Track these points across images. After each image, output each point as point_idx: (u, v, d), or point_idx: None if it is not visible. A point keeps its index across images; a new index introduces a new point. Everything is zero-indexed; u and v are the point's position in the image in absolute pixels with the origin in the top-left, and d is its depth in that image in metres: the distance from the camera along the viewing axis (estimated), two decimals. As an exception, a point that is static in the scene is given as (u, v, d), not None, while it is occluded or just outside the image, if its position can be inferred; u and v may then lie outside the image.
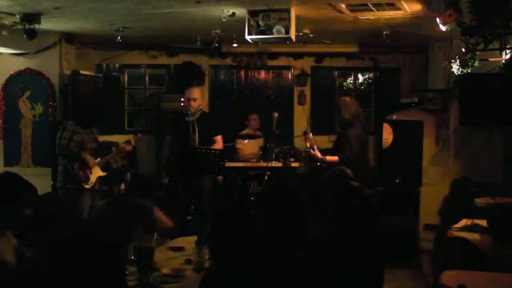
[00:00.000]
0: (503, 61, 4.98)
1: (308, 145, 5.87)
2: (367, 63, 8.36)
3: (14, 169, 6.71)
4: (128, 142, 6.08)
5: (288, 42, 5.87)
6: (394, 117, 6.79)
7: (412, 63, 8.04)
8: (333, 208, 3.67)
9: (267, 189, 4.19)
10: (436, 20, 4.71)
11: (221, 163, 5.72)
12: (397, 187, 6.34)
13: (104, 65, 8.34)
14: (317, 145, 5.94)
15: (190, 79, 7.96)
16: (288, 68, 8.55)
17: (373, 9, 5.37)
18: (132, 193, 4.03)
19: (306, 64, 8.45)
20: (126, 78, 8.58)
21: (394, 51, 7.91)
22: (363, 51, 8.14)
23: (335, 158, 5.63)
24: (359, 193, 3.81)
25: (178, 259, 3.44)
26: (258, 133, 7.67)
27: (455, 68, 4.71)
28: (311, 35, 6.78)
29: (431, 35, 6.63)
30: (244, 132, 7.73)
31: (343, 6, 5.33)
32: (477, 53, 4.62)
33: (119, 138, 6.86)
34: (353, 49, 8.10)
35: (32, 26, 5.81)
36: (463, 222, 4.45)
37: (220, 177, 6.84)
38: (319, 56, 8.36)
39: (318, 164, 6.01)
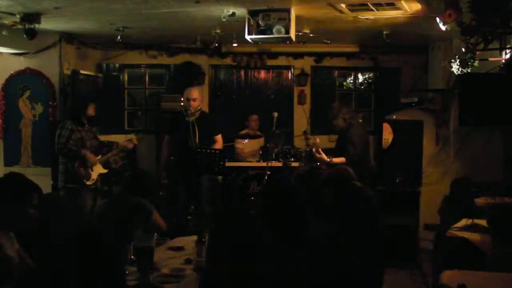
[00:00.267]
0: (503, 61, 4.98)
1: (313, 150, 5.85)
2: (367, 63, 8.36)
3: (14, 169, 6.72)
4: (129, 140, 6.08)
5: (288, 42, 5.87)
6: (394, 117, 6.79)
7: (412, 63, 8.04)
8: (333, 208, 3.67)
9: (267, 189, 4.19)
10: (436, 20, 4.71)
11: (221, 163, 5.72)
12: (397, 187, 6.34)
13: (104, 65, 8.34)
14: (321, 147, 5.96)
15: (190, 79, 7.97)
16: (288, 68, 8.55)
17: (373, 9, 5.37)
18: (132, 192, 4.02)
19: (306, 64, 8.45)
20: (126, 78, 8.58)
21: (394, 51, 7.91)
22: (363, 51, 8.15)
23: (342, 159, 5.65)
24: (360, 193, 3.81)
25: (178, 259, 3.44)
26: (258, 133, 7.67)
27: (455, 68, 4.71)
28: (311, 35, 6.78)
29: (431, 35, 6.64)
30: (244, 132, 7.73)
31: (343, 6, 5.33)
32: (477, 53, 4.62)
33: (119, 138, 6.86)
34: (353, 49, 8.11)
35: (32, 26, 5.81)
36: (463, 222, 4.45)
37: (220, 177, 6.84)
38: (319, 56, 8.37)
39: (318, 164, 6.02)
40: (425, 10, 5.31)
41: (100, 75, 8.11)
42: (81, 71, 7.50)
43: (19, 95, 7.20)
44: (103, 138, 6.66)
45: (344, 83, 8.95)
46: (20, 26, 5.91)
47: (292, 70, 8.54)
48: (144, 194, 4.04)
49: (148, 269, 3.06)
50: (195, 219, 5.69)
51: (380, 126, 6.80)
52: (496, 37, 4.57)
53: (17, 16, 5.76)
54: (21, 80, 7.22)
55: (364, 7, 5.36)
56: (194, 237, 3.42)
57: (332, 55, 8.32)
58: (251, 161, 7.30)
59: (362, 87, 8.88)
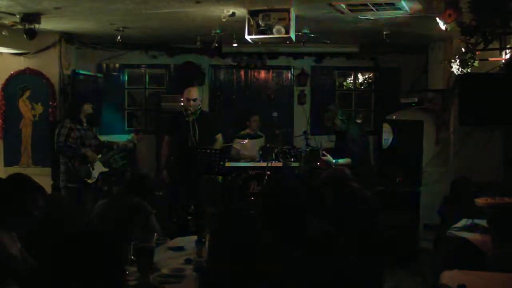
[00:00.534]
0: (503, 61, 4.98)
1: (324, 158, 5.83)
2: (367, 63, 8.37)
3: (14, 169, 6.71)
4: (130, 140, 6.08)
5: (288, 42, 5.87)
6: (394, 117, 6.79)
7: (412, 63, 8.04)
8: (333, 208, 3.68)
9: (267, 189, 4.20)
10: (436, 20, 4.71)
11: (221, 163, 5.72)
12: (397, 187, 6.33)
13: (104, 65, 8.34)
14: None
15: (190, 79, 7.97)
16: (288, 68, 8.55)
17: (373, 9, 5.37)
18: (132, 193, 4.02)
19: (306, 64, 8.45)
20: (126, 78, 8.58)
21: (394, 51, 7.91)
22: (363, 51, 8.14)
23: (347, 160, 5.65)
24: (359, 193, 3.82)
25: (178, 259, 3.44)
26: (259, 133, 7.67)
27: (455, 68, 4.71)
28: (311, 35, 6.78)
29: (431, 35, 6.63)
30: (244, 132, 7.73)
31: (343, 6, 5.32)
32: (477, 53, 4.63)
33: (119, 138, 6.86)
34: (353, 49, 8.10)
35: (32, 26, 5.81)
36: (463, 222, 4.44)
37: (220, 177, 6.84)
38: (319, 56, 8.37)
39: (318, 164, 6.02)
40: (425, 10, 5.31)
41: (100, 75, 8.11)
42: (81, 71, 7.50)
43: (19, 95, 7.20)
44: (103, 138, 6.66)
45: (344, 83, 8.95)
46: (20, 26, 5.91)
47: (292, 70, 8.54)
48: (144, 195, 4.04)
49: (148, 269, 3.06)
50: (195, 219, 5.69)
51: (380, 126, 6.80)
52: (496, 37, 4.57)
53: (17, 16, 5.76)
54: (21, 80, 7.22)
55: (364, 7, 5.35)
56: (194, 237, 3.42)
57: (332, 55, 8.32)
58: (252, 161, 7.29)
59: (362, 87, 8.88)
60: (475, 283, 3.04)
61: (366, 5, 5.27)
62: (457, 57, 4.73)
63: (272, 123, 6.50)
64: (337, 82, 8.73)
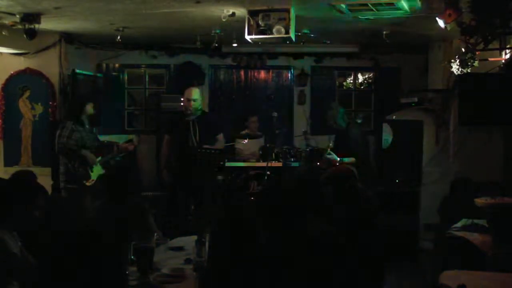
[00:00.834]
0: (503, 61, 4.98)
1: (329, 157, 5.82)
2: (367, 63, 8.36)
3: (14, 169, 6.70)
4: (130, 141, 6.07)
5: (288, 42, 5.87)
6: (394, 117, 6.79)
7: (412, 63, 8.04)
8: (333, 208, 3.67)
9: (267, 189, 4.20)
10: (436, 20, 4.71)
11: (221, 163, 5.72)
12: (397, 187, 6.33)
13: (104, 65, 8.34)
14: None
15: (190, 79, 7.97)
16: (288, 68, 8.55)
17: (373, 9, 5.37)
18: (114, 194, 3.92)
19: (306, 64, 8.45)
20: (126, 78, 8.58)
21: (394, 51, 7.91)
22: (363, 51, 8.14)
23: (352, 160, 5.66)
24: (361, 193, 3.81)
25: (178, 259, 3.44)
26: (258, 133, 7.67)
27: (455, 68, 4.71)
28: (311, 35, 6.78)
29: (431, 35, 6.63)
30: (244, 132, 7.73)
31: (343, 6, 5.32)
32: (477, 53, 4.63)
33: (119, 138, 6.86)
34: (353, 49, 8.10)
35: (32, 26, 5.81)
36: (463, 222, 4.44)
37: (220, 177, 6.84)
38: (319, 56, 8.37)
39: (318, 164, 6.02)
40: (425, 10, 5.31)
41: (100, 75, 8.11)
42: (81, 71, 7.49)
43: (19, 95, 7.20)
44: (103, 138, 6.66)
45: (344, 83, 8.95)
46: (20, 26, 5.91)
47: (292, 70, 8.54)
48: (125, 190, 3.95)
49: (148, 269, 3.06)
50: (195, 219, 5.69)
51: (380, 126, 6.80)
52: (496, 37, 4.57)
53: (17, 16, 5.76)
54: (21, 80, 7.22)
55: (364, 7, 5.35)
56: (194, 237, 3.42)
57: (332, 55, 8.32)
58: (252, 161, 7.29)
59: (362, 87, 8.87)
60: (475, 283, 3.05)
61: (366, 5, 5.27)
62: (457, 57, 4.73)
63: (272, 123, 6.49)
64: (337, 82, 8.73)
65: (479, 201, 4.29)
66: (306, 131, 7.60)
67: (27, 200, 2.91)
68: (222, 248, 2.38)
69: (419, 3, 4.94)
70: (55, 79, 7.27)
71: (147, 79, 8.66)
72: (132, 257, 3.21)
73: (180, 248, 3.68)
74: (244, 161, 7.30)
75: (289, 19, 5.48)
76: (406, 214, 6.24)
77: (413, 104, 7.00)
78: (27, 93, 7.21)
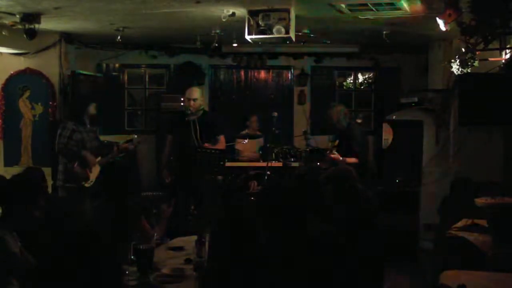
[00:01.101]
0: (503, 61, 4.98)
1: (333, 156, 5.81)
2: (367, 63, 8.37)
3: (14, 169, 6.71)
4: (130, 141, 6.06)
5: (288, 42, 5.87)
6: (394, 117, 6.79)
7: (412, 63, 8.04)
8: (333, 207, 3.67)
9: (267, 189, 4.19)
10: (436, 20, 4.71)
11: (221, 163, 5.71)
12: (397, 187, 6.33)
13: (104, 65, 8.34)
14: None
15: (190, 79, 7.97)
16: (288, 68, 8.56)
17: (373, 9, 5.37)
18: (112, 191, 3.92)
19: (306, 64, 8.45)
20: (126, 78, 8.58)
21: (394, 51, 7.91)
22: (363, 51, 8.15)
23: (354, 159, 5.65)
24: (361, 193, 3.81)
25: (178, 259, 3.43)
26: (258, 133, 7.67)
27: (455, 68, 4.71)
28: (311, 35, 6.78)
29: (431, 35, 6.63)
30: (244, 132, 7.73)
31: (343, 6, 5.33)
32: (477, 53, 4.62)
33: (119, 138, 6.86)
34: (353, 49, 8.10)
35: (32, 26, 5.81)
36: (463, 222, 4.44)
37: (220, 177, 6.84)
38: (319, 56, 8.37)
39: (319, 164, 6.02)
40: (425, 10, 5.31)
41: (100, 75, 8.11)
42: (81, 71, 7.49)
43: (19, 95, 7.20)
44: (103, 138, 6.66)
45: (344, 83, 8.95)
46: (20, 26, 5.91)
47: (292, 70, 8.54)
48: (125, 191, 3.94)
49: (148, 269, 3.06)
50: (195, 219, 5.68)
51: (380, 126, 6.80)
52: (496, 37, 4.57)
53: (17, 16, 5.76)
54: (21, 80, 7.22)
55: (364, 7, 5.35)
56: (194, 237, 3.42)
57: (332, 55, 8.33)
58: (252, 161, 7.29)
59: (362, 87, 8.88)
60: (475, 283, 3.04)
61: (366, 5, 5.27)
62: (457, 57, 4.74)
63: (272, 123, 6.49)
64: (337, 82, 8.73)
65: (479, 201, 4.29)
66: (306, 131, 7.59)
67: (28, 200, 2.91)
68: (222, 248, 2.38)
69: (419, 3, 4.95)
70: (55, 79, 7.27)
71: (147, 79, 8.66)
72: (132, 257, 3.21)
73: (180, 248, 3.67)
74: (244, 161, 7.30)
75: (289, 19, 5.48)
76: (406, 214, 6.23)
77: (413, 104, 7.00)
78: (27, 93, 7.22)
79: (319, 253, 2.67)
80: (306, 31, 6.54)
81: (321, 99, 8.35)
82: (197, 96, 5.92)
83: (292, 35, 5.56)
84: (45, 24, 6.02)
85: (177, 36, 7.61)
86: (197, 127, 5.85)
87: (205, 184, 6.01)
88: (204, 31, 6.64)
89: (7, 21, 5.99)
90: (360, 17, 5.75)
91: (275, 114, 6.58)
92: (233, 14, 5.52)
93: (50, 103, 7.23)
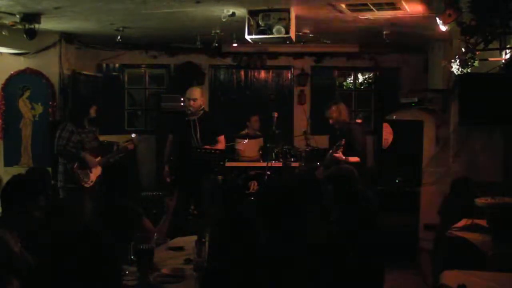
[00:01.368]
0: (503, 61, 4.97)
1: (337, 155, 5.79)
2: (367, 63, 8.37)
3: (14, 169, 6.71)
4: (130, 141, 6.06)
5: (288, 42, 5.87)
6: (394, 117, 6.79)
7: (412, 63, 8.04)
8: (333, 208, 3.67)
9: (267, 189, 4.19)
10: (436, 20, 4.71)
11: (221, 163, 5.71)
12: (397, 187, 6.33)
13: (104, 65, 8.34)
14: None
15: (190, 79, 7.97)
16: (288, 68, 8.56)
17: (373, 9, 5.37)
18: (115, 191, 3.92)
19: (306, 64, 8.46)
20: (126, 78, 8.59)
21: (394, 51, 7.91)
22: (363, 51, 8.15)
23: (356, 158, 5.65)
24: (361, 193, 3.81)
25: (178, 259, 3.43)
26: (258, 133, 7.67)
27: (455, 68, 4.71)
28: (311, 35, 6.78)
29: (431, 35, 6.63)
30: (244, 132, 7.73)
31: (343, 6, 5.33)
32: (477, 53, 4.62)
33: (119, 138, 6.86)
34: (353, 49, 8.11)
35: (32, 26, 5.82)
36: (463, 222, 4.44)
37: (220, 177, 6.84)
38: (319, 56, 8.38)
39: (319, 164, 6.02)
40: (425, 10, 5.31)
41: (100, 75, 8.11)
42: (81, 71, 7.50)
43: (19, 95, 7.21)
44: (103, 138, 6.66)
45: (344, 83, 8.96)
46: (20, 26, 5.92)
47: (292, 70, 8.54)
48: (125, 191, 3.94)
49: (148, 269, 3.06)
50: (195, 219, 5.69)
51: (380, 126, 6.80)
52: (496, 37, 4.57)
53: (17, 16, 5.76)
54: (21, 80, 7.22)
55: (364, 7, 5.35)
56: (194, 237, 3.42)
57: (332, 55, 8.33)
58: (252, 161, 7.29)
59: (362, 87, 8.88)
60: (475, 283, 3.04)
61: (366, 5, 5.27)
62: (457, 57, 4.73)
63: (272, 123, 6.50)
64: (337, 82, 8.73)
65: (479, 201, 4.29)
66: (306, 131, 7.60)
67: (28, 201, 2.91)
68: (222, 248, 2.38)
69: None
70: (55, 79, 7.28)
71: (147, 79, 8.66)
72: (132, 257, 3.21)
73: (180, 248, 3.67)
74: (244, 161, 7.30)
75: (289, 19, 5.48)
76: (406, 214, 6.23)
77: (413, 104, 6.99)
78: (27, 93, 7.22)
79: (319, 253, 2.68)
80: (306, 31, 6.55)
81: (321, 99, 8.35)
82: (197, 96, 5.91)
83: (292, 35, 5.56)
84: (45, 24, 6.02)
85: (177, 36, 7.61)
86: (197, 127, 5.85)
87: (205, 184, 6.02)
88: (204, 31, 6.64)
89: (7, 21, 5.99)
90: (360, 17, 5.75)
91: (275, 114, 6.58)
92: (233, 14, 5.52)
93: (50, 103, 7.23)
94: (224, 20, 5.57)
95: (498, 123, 5.50)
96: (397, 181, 6.37)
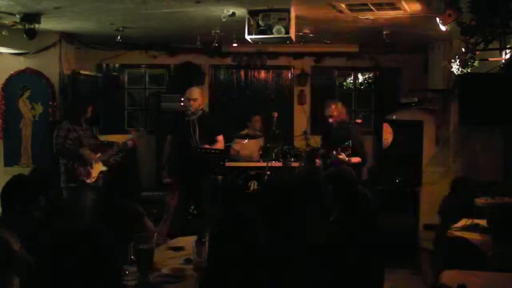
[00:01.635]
0: (503, 61, 4.98)
1: (340, 157, 5.77)
2: (367, 63, 8.37)
3: (14, 169, 6.71)
4: (130, 138, 6.06)
5: (288, 42, 5.87)
6: (394, 117, 6.79)
7: (412, 63, 8.04)
8: (333, 207, 3.67)
9: (267, 189, 4.19)
10: (436, 20, 4.71)
11: (221, 163, 5.71)
12: (397, 187, 6.33)
13: (104, 65, 8.34)
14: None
15: (190, 79, 7.97)
16: (288, 68, 8.55)
17: (373, 9, 5.37)
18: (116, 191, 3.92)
19: (306, 64, 8.45)
20: (126, 78, 8.58)
21: (394, 51, 7.91)
22: (363, 51, 8.15)
23: (358, 159, 5.66)
24: (360, 193, 3.81)
25: (178, 259, 3.43)
26: (259, 133, 7.67)
27: (455, 68, 4.71)
28: (311, 35, 6.78)
29: (431, 35, 6.63)
30: (244, 132, 7.72)
31: (343, 6, 5.33)
32: (477, 53, 4.63)
33: (119, 138, 6.86)
34: (353, 49, 8.11)
35: (32, 26, 5.82)
36: (463, 222, 4.44)
37: (220, 177, 6.84)
38: (319, 56, 8.37)
39: (317, 164, 6.02)
40: (425, 10, 5.31)
41: (100, 75, 8.11)
42: (81, 71, 7.49)
43: (19, 95, 7.20)
44: (103, 138, 6.66)
45: (344, 83, 8.95)
46: (20, 26, 5.92)
47: (292, 70, 8.54)
48: (125, 191, 3.94)
49: (148, 269, 3.06)
50: (195, 219, 5.68)
51: (380, 126, 6.80)
52: (496, 37, 4.57)
53: (17, 16, 5.76)
54: (21, 80, 7.22)
55: (364, 7, 5.36)
56: (194, 237, 3.42)
57: (332, 55, 8.32)
58: (252, 161, 7.29)
59: (362, 87, 8.88)
60: (475, 283, 3.05)
61: (366, 5, 5.28)
62: (457, 57, 4.74)
63: (272, 123, 6.49)
64: (337, 82, 8.73)
65: (479, 201, 4.30)
66: (306, 131, 7.59)
67: (29, 202, 2.91)
68: (222, 248, 2.38)
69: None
70: (55, 79, 7.27)
71: (147, 79, 8.66)
72: (132, 257, 3.21)
73: (180, 248, 3.67)
74: (244, 161, 7.30)
75: (289, 19, 5.48)
76: (406, 214, 6.23)
77: (413, 104, 7.00)
78: (27, 93, 7.21)
79: (319, 253, 2.67)
80: (306, 31, 6.55)
81: (321, 99, 8.34)
82: (197, 96, 5.91)
83: (292, 35, 5.56)
84: (45, 24, 6.02)
85: (177, 36, 7.61)
86: (197, 127, 5.84)
87: (205, 184, 6.01)
88: (204, 31, 6.64)
89: (7, 21, 5.99)
90: (360, 17, 5.75)
91: (275, 114, 6.58)
92: (233, 14, 5.52)
93: (50, 103, 7.23)
94: (224, 20, 5.57)
95: (498, 123, 5.51)
96: (397, 181, 6.38)
